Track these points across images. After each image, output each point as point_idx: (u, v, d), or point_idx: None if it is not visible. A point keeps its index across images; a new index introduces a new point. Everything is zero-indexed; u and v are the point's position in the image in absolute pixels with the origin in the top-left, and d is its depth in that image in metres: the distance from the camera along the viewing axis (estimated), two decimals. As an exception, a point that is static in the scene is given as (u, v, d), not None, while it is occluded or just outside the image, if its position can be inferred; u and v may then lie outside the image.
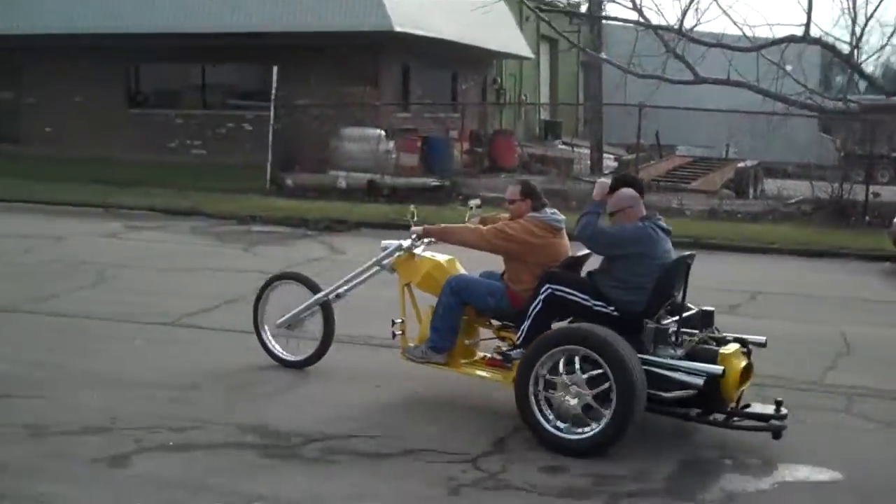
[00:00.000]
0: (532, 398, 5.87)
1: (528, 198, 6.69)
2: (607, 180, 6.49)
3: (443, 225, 7.14)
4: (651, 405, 5.85)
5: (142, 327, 8.59)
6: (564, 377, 5.78)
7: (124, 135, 27.20)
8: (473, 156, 24.03)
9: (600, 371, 5.65)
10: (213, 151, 26.07)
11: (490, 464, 5.67)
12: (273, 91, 21.50)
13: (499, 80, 35.07)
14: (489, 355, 6.83)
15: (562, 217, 6.72)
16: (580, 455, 5.70)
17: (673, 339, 6.02)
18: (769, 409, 5.98)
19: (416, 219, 7.14)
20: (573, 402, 5.77)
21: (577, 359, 5.76)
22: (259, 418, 6.34)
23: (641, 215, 6.28)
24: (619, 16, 23.16)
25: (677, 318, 6.12)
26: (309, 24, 24.09)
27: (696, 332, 6.25)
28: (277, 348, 7.56)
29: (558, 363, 5.81)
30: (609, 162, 25.98)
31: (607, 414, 5.65)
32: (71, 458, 5.62)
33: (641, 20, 19.48)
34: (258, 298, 7.63)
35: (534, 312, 6.29)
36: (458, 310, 6.64)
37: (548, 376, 5.85)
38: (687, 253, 6.45)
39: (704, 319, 6.40)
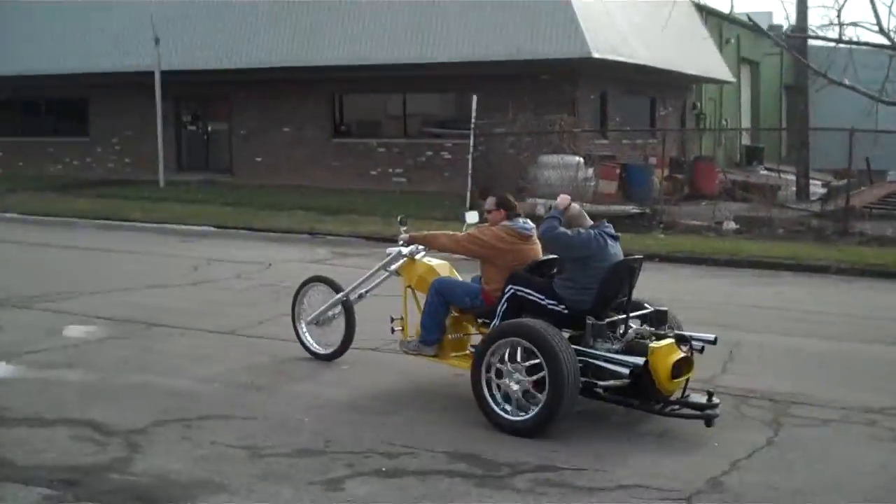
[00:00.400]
0: (484, 383, 6.69)
1: (502, 208, 7.49)
2: (568, 195, 7.38)
3: (426, 232, 8.14)
4: (596, 393, 6.63)
5: (351, 352, 8.74)
6: (509, 365, 6.58)
7: (329, 164, 28.13)
8: (673, 182, 23.52)
9: (537, 361, 6.39)
10: (414, 179, 26.57)
11: None
12: (472, 119, 21.72)
13: (698, 104, 34.35)
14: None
15: (531, 225, 7.47)
16: (522, 435, 6.40)
17: (610, 334, 6.73)
18: (702, 399, 6.59)
19: (405, 226, 8.06)
20: (515, 387, 6.57)
21: (519, 350, 6.54)
22: (469, 446, 6.30)
23: (590, 225, 7.08)
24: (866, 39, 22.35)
25: (623, 315, 6.87)
26: (507, 52, 24.25)
27: (651, 329, 6.91)
28: (310, 341, 8.72)
29: (505, 354, 6.59)
30: (816, 189, 24.89)
31: (543, 399, 6.37)
32: (287, 480, 5.72)
33: (890, 44, 18.75)
34: (294, 298, 8.88)
35: (501, 310, 7.15)
36: (441, 308, 7.50)
37: (497, 365, 6.64)
38: (633, 257, 7.18)
39: (658, 318, 7.07)
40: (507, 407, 6.60)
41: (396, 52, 25.59)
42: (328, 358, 8.54)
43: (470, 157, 21.61)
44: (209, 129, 31.30)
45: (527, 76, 24.48)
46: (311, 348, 8.71)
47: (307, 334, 8.77)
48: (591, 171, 21.15)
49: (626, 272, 6.98)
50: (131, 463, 5.97)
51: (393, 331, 7.99)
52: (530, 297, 7.02)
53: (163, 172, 27.61)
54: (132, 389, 7.62)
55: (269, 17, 27.81)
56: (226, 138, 30.50)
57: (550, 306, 6.93)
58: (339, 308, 8.50)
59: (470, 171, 21.43)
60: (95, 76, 29.85)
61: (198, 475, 5.76)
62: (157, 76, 26.86)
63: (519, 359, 6.54)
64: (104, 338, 9.52)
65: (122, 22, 29.64)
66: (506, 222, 7.41)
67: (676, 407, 6.67)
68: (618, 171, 22.04)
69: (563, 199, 7.26)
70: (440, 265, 7.91)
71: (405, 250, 7.94)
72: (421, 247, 7.94)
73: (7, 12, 32.18)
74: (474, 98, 21.62)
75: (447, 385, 7.72)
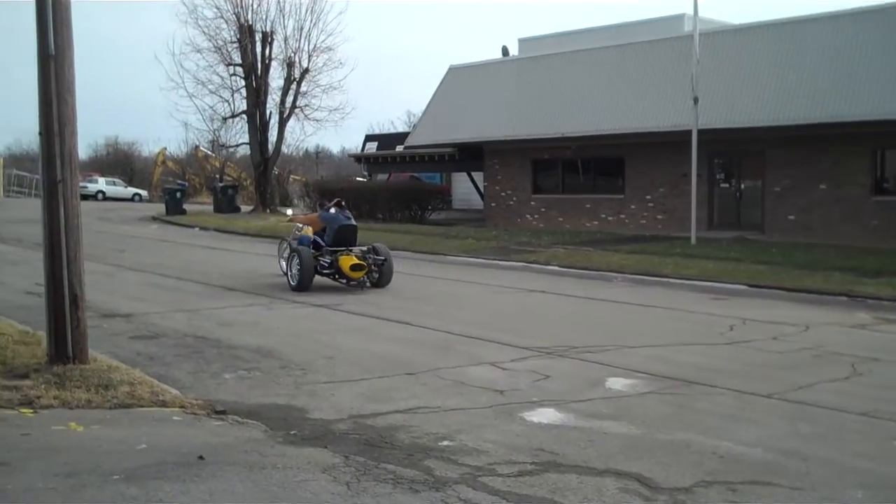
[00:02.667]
0: (285, 267, 18.79)
1: (321, 207, 19.38)
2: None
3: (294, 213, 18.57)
4: (320, 273, 18.14)
5: (903, 427, 8.11)
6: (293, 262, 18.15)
7: (867, 222, 26.62)
8: None
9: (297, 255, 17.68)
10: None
11: None
12: None
13: None
14: None
15: (331, 213, 19.01)
16: (296, 290, 17.75)
17: (328, 254, 18.33)
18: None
19: (290, 213, 16.92)
20: (295, 269, 17.86)
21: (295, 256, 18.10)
22: None
23: (339, 211, 19.12)
24: None
25: (343, 248, 18.44)
26: None
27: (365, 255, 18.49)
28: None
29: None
30: None
31: (297, 274, 17.75)
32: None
33: None
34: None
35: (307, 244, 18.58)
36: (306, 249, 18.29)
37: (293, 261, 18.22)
38: (351, 223, 18.85)
39: (375, 249, 18.54)
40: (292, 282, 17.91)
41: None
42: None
43: None
44: (742, 186, 31.12)
45: None
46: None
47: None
48: None
49: (351, 230, 18.71)
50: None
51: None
52: (316, 240, 18.63)
53: (695, 229, 27.88)
54: (675, 446, 7.68)
55: (808, 71, 27.10)
56: (758, 195, 30.11)
57: (319, 243, 18.57)
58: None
59: None
60: (632, 136, 31.08)
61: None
62: (694, 135, 27.27)
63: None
64: (645, 392, 9.74)
65: (662, 84, 30.57)
66: (320, 210, 19.65)
67: (354, 283, 17.97)
68: None
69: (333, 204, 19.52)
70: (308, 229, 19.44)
71: (288, 215, 21.19)
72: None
73: (545, 85, 34.64)
74: None
75: None
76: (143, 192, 70.64)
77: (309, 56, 45.29)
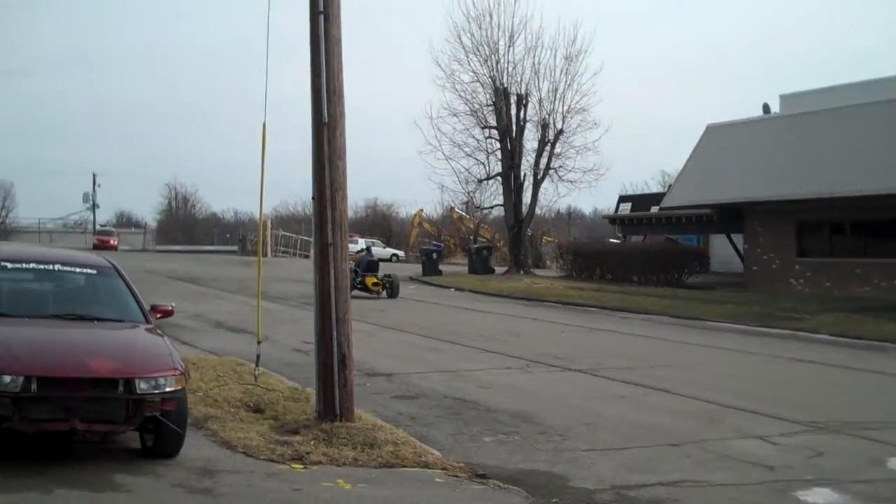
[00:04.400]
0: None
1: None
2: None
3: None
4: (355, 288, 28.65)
5: None
6: None
7: None
8: None
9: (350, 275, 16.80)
10: None
11: None
12: None
13: None
14: None
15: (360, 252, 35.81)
16: None
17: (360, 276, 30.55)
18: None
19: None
20: None
21: None
22: None
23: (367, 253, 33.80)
24: None
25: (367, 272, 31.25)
26: None
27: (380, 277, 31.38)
28: None
29: None
30: None
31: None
32: None
33: None
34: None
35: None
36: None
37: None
38: (374, 259, 32.36)
39: (386, 278, 31.34)
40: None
41: None
42: None
43: None
44: None
45: None
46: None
47: None
48: None
49: (373, 264, 31.78)
50: None
51: None
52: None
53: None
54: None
55: None
56: None
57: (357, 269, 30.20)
58: None
59: None
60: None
61: None
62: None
63: None
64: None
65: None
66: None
67: (374, 295, 30.82)
68: None
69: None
70: None
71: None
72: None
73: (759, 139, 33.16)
74: None
75: None
76: (400, 253, 71.93)
77: (563, 117, 45.51)
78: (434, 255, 45.46)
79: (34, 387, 7.40)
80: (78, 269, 9.73)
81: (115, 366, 7.77)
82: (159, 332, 9.20)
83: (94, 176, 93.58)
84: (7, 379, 7.38)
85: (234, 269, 41.69)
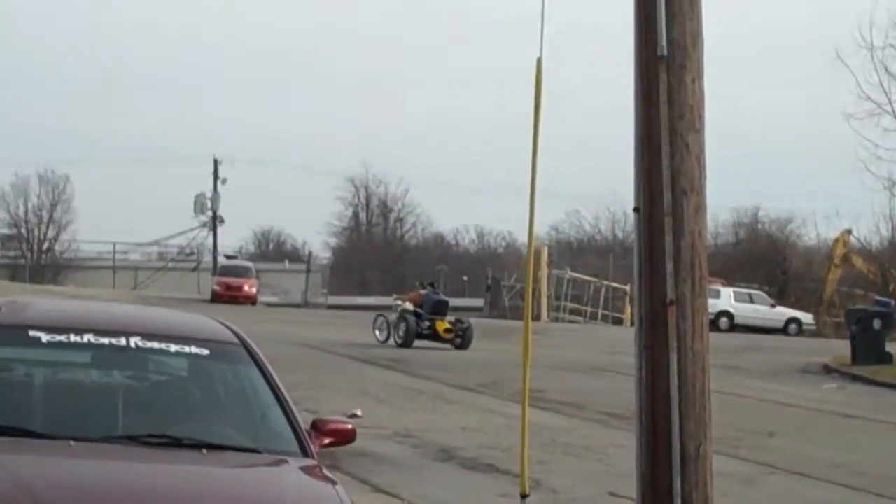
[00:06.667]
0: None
1: (422, 288, 28.56)
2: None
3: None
4: (421, 335, 25.99)
5: None
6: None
7: None
8: None
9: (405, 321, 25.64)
10: None
11: None
12: None
13: None
14: None
15: (422, 290, 28.11)
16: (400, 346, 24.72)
17: (426, 320, 26.07)
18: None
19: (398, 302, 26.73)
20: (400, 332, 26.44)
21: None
22: None
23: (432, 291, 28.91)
24: None
25: (434, 314, 26.64)
26: None
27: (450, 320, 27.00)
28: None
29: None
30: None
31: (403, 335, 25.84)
32: None
33: None
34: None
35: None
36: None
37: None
38: (442, 298, 27.84)
39: (457, 322, 26.35)
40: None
41: None
42: None
43: None
44: None
45: None
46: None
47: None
48: None
49: (444, 304, 27.19)
50: None
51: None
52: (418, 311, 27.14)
53: None
54: None
55: None
56: None
57: (420, 312, 26.80)
58: None
59: None
60: None
61: None
62: None
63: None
64: None
65: None
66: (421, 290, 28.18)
67: (448, 346, 26.10)
68: None
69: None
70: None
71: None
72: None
73: None
74: None
75: None
76: (805, 316, 43.30)
77: None
78: (878, 324, 26.20)
79: None
80: (174, 348, 5.20)
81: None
82: (327, 472, 4.83)
83: (216, 163, 53.74)
84: None
85: (477, 344, 26.81)
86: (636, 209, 5.15)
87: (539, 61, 5.74)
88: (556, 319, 43.15)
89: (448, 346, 25.49)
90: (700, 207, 5.01)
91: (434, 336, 25.46)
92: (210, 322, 5.81)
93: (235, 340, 5.34)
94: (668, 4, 5.02)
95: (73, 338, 5.09)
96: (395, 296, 31.99)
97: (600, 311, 42.98)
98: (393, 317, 26.27)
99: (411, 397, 17.44)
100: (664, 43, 4.98)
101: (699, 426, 4.95)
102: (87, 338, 5.09)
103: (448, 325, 25.82)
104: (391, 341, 25.29)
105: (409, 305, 26.39)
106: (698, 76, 5.03)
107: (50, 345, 5.04)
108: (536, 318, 40.10)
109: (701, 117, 5.04)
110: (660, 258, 4.99)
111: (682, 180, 4.97)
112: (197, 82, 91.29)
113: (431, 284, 29.43)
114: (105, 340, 5.09)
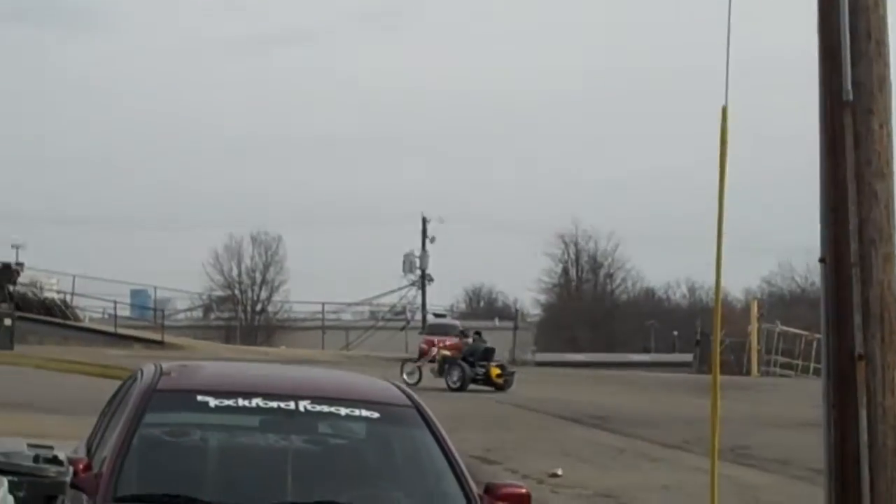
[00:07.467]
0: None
1: (459, 338, 31.16)
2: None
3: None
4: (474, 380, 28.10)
5: None
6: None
7: None
8: None
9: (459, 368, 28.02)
10: None
11: None
12: None
13: None
14: None
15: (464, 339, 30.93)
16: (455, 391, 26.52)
17: (478, 366, 28.44)
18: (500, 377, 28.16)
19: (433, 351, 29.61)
20: (456, 376, 28.60)
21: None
22: None
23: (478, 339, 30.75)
24: None
25: (483, 361, 28.71)
26: None
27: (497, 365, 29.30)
28: None
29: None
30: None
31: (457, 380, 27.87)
32: None
33: None
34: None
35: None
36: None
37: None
38: (487, 346, 29.71)
39: (504, 368, 29.02)
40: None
41: None
42: None
43: None
44: None
45: None
46: None
47: None
48: None
49: (483, 348, 29.01)
50: None
51: None
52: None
53: None
54: None
55: None
56: None
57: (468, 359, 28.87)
58: None
59: None
60: None
61: None
62: None
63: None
64: None
65: None
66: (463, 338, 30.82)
67: (495, 389, 27.93)
68: None
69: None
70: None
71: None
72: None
73: None
74: None
75: None
76: None
77: None
78: None
79: None
80: (344, 411, 4.95)
81: None
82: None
83: (424, 222, 52.61)
84: None
85: (685, 399, 24.95)
86: (822, 260, 4.92)
87: (724, 110, 5.61)
88: (767, 374, 41.83)
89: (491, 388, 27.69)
90: (889, 257, 4.74)
91: (487, 381, 27.63)
92: (383, 384, 5.63)
93: (408, 403, 5.12)
94: (854, 47, 4.84)
95: (241, 402, 4.88)
96: (423, 338, 33.35)
97: (812, 365, 40.21)
98: (424, 362, 29.29)
99: (610, 456, 16.87)
100: (849, 87, 4.78)
101: (891, 488, 4.64)
102: (256, 402, 4.87)
103: (499, 371, 28.10)
104: (449, 384, 27.62)
105: (447, 353, 29.18)
106: (885, 121, 4.79)
107: (218, 409, 4.88)
108: (747, 372, 40.52)
109: (889, 163, 4.77)
110: (847, 311, 4.74)
111: (869, 229, 4.72)
112: (403, 142, 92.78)
113: (478, 333, 31.35)
114: (273, 404, 4.87)
